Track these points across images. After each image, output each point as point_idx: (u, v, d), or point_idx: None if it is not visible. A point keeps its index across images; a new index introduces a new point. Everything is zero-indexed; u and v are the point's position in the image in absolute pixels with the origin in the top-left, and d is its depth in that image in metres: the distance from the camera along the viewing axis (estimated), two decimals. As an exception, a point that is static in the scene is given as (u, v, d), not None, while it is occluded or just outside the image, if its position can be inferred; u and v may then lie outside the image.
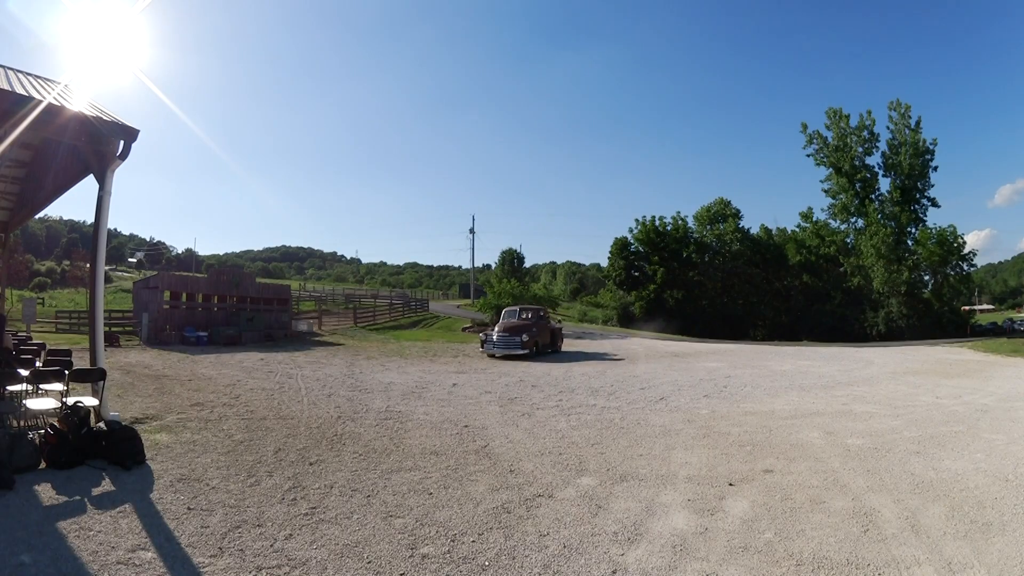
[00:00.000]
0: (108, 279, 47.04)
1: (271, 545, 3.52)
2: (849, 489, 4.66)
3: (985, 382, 11.73)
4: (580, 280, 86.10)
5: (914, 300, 42.55)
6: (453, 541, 3.64)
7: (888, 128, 46.20)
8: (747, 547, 3.57)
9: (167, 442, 5.92)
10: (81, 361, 7.75)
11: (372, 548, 3.52)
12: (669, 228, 49.89)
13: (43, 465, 4.85)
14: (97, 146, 6.58)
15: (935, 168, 45.19)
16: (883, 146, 46.39)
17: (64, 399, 5.90)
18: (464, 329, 29.75)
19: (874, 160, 46.70)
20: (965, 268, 43.79)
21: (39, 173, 10.22)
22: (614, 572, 3.26)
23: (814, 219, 50.44)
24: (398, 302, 41.17)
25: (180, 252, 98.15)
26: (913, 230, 44.80)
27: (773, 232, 52.98)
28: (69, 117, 6.20)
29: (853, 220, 47.47)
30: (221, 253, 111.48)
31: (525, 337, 17.19)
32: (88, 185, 7.75)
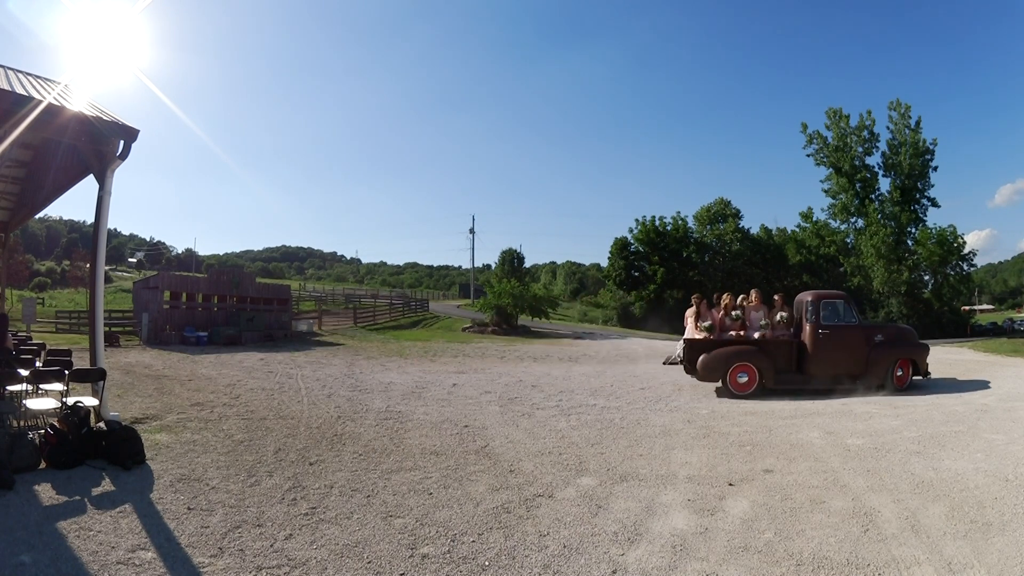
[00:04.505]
0: (108, 279, 47.05)
1: (271, 545, 3.52)
2: (849, 489, 4.66)
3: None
4: (580, 280, 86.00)
5: (914, 300, 42.61)
6: (453, 541, 3.64)
7: (888, 128, 46.25)
8: (747, 547, 3.57)
9: (167, 442, 5.92)
10: (81, 361, 7.75)
11: (372, 548, 3.52)
12: (669, 228, 49.91)
13: (43, 465, 4.85)
14: (97, 146, 6.58)
15: (935, 168, 45.24)
16: (883, 146, 46.43)
17: (64, 399, 5.90)
18: (464, 329, 29.71)
19: (874, 160, 46.77)
20: (965, 268, 43.84)
21: (39, 173, 10.23)
22: (614, 572, 3.26)
23: (814, 219, 50.51)
24: (398, 302, 41.16)
25: (180, 252, 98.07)
26: (913, 230, 44.81)
27: (773, 232, 53.08)
28: (69, 117, 6.20)
29: (853, 220, 47.51)
30: (221, 253, 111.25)
31: None
32: (88, 185, 7.76)
